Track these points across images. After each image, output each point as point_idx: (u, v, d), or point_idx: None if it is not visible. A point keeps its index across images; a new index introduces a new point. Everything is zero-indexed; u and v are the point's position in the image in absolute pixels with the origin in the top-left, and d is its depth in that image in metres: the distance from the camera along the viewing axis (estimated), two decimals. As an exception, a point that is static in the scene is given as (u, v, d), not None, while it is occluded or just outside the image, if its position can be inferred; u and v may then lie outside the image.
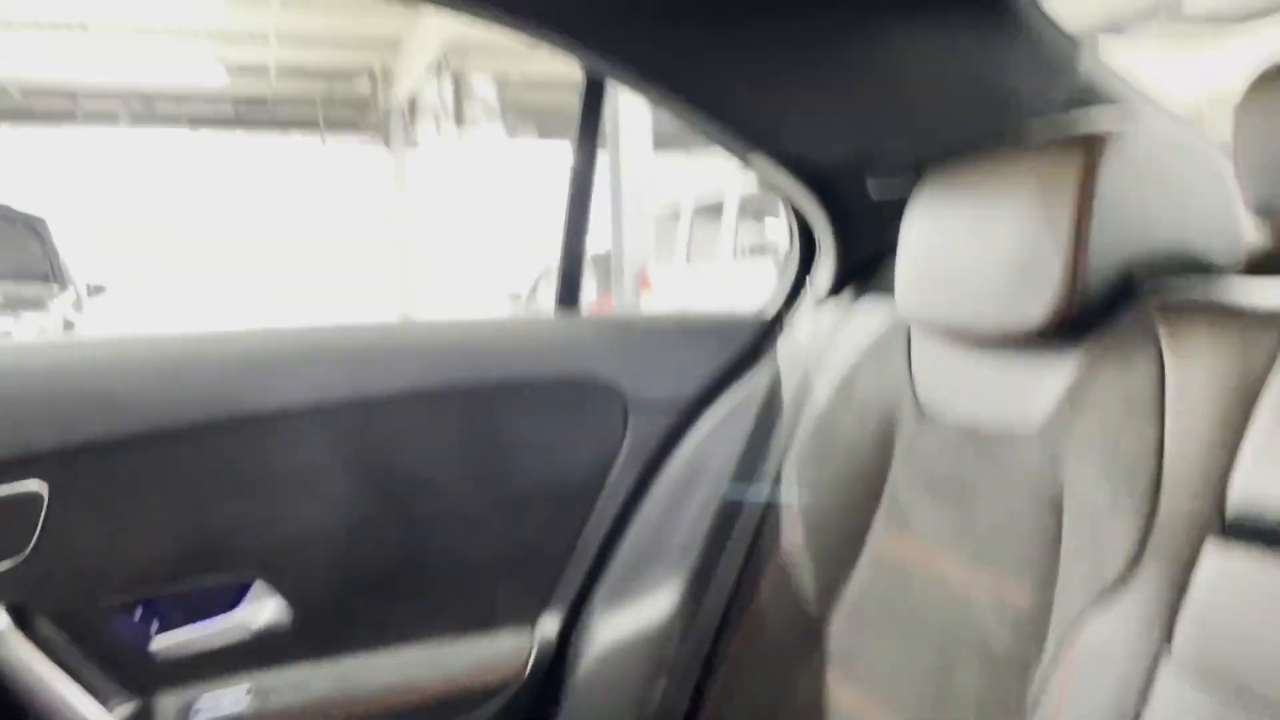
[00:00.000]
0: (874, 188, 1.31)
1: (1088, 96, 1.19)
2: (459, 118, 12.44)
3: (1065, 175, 0.86)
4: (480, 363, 1.32)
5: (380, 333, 1.33)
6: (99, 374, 1.16)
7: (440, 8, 1.09)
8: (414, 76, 11.40)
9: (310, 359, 1.25)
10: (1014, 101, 1.20)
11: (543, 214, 11.90)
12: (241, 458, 1.20)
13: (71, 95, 12.15)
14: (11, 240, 6.08)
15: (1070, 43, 1.17)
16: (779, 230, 7.07)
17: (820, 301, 1.41)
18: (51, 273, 6.10)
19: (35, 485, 1.09)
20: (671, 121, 1.28)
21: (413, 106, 12.38)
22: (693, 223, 8.23)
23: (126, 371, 1.17)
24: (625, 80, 1.23)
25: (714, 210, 7.79)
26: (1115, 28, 8.82)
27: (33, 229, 6.20)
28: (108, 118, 12.56)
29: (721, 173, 7.44)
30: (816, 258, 1.43)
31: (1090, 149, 0.85)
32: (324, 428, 1.23)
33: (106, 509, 1.14)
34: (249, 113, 13.04)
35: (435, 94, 12.11)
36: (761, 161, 1.31)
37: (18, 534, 1.09)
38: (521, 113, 12.58)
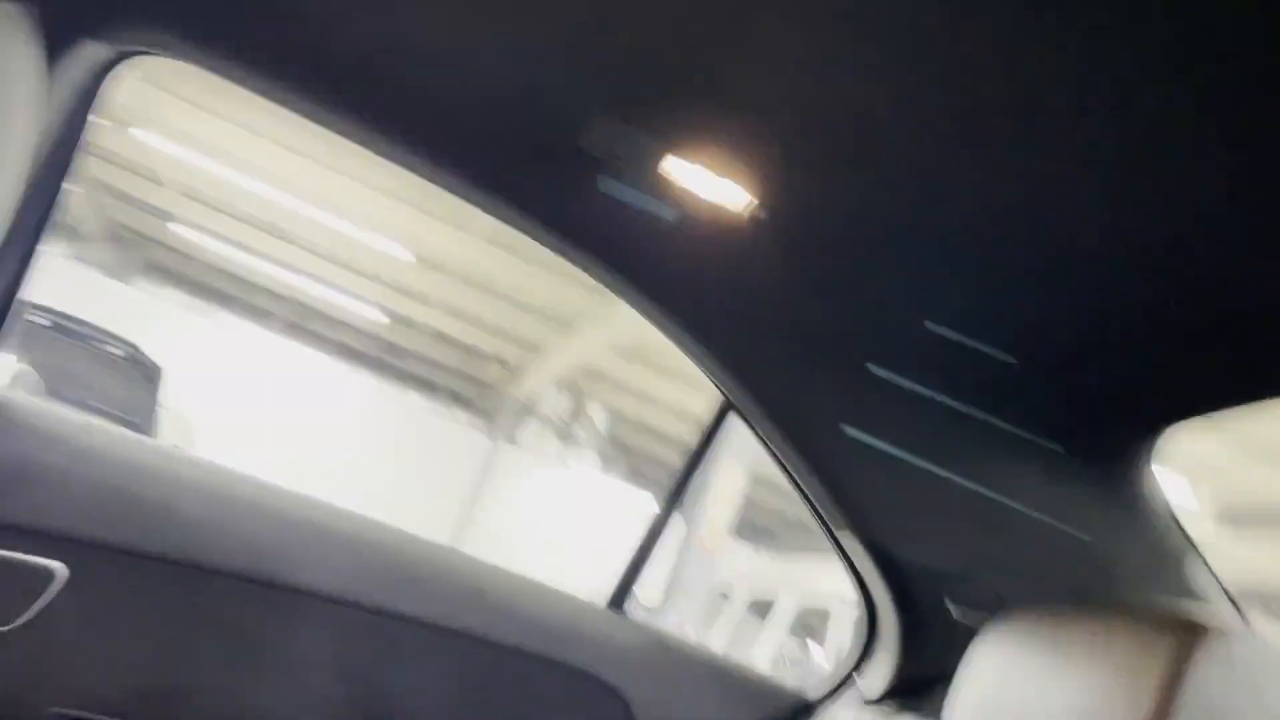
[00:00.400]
0: (952, 608, 1.28)
1: (1189, 593, 1.16)
2: (564, 434, 12.86)
3: (1156, 656, 0.82)
4: (505, 619, 1.28)
5: (425, 550, 1.31)
6: (158, 484, 1.17)
7: (628, 303, 1.19)
8: (540, 381, 11.97)
9: (349, 548, 1.24)
10: (1113, 574, 1.18)
11: (595, 557, 11.79)
12: (241, 617, 1.17)
13: (242, 282, 13.12)
14: (126, 379, 6.32)
15: (1187, 541, 1.17)
16: (821, 656, 6.87)
17: (865, 703, 1.34)
18: (144, 423, 6.28)
19: (56, 566, 1.08)
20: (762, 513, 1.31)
21: (527, 407, 12.90)
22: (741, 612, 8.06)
23: (182, 491, 1.18)
24: (749, 411, 1.27)
25: (764, 606, 7.63)
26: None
27: (148, 376, 6.45)
28: (263, 315, 13.44)
29: (784, 575, 7.38)
30: (872, 658, 1.38)
31: (1188, 636, 0.82)
32: (331, 623, 1.20)
33: (102, 616, 1.11)
34: (385, 356, 13.77)
35: (553, 404, 12.65)
36: (853, 543, 1.31)
37: (9, 607, 1.06)
38: (621, 450, 12.93)
